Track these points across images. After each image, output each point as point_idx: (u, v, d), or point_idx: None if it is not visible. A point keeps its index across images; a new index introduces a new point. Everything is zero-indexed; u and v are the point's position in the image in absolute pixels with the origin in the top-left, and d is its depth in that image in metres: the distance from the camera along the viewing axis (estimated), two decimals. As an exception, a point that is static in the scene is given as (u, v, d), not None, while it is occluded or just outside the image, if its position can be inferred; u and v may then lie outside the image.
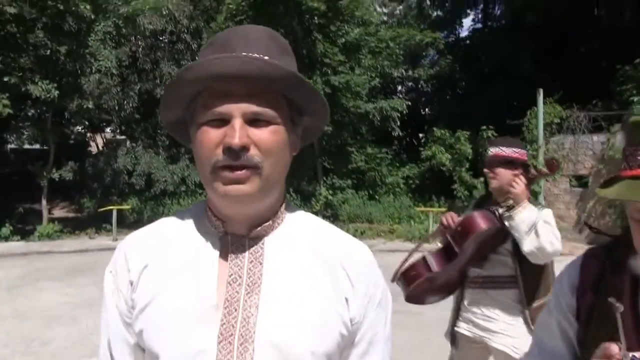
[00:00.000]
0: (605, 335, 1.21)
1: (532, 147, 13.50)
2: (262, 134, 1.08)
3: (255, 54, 1.08)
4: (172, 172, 17.36)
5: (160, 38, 18.14)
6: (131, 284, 1.16)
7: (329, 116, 1.24)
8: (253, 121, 1.08)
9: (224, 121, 1.07)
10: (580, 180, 13.59)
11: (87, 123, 18.90)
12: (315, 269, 1.17)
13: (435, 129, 16.91)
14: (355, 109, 16.16)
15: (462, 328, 3.53)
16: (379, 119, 16.82)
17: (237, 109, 1.07)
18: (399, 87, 23.50)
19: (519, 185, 3.21)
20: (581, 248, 12.14)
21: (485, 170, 3.46)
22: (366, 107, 16.43)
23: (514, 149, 3.38)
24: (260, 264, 1.15)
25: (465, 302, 3.53)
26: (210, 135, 1.08)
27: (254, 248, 1.17)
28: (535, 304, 3.32)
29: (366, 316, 1.19)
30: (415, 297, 3.42)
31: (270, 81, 1.08)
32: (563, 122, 14.00)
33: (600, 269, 1.31)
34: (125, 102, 17.33)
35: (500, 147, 3.41)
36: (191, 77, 1.09)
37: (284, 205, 1.23)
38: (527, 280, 3.32)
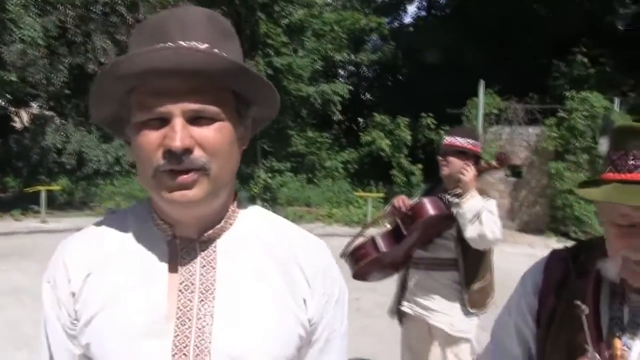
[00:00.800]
0: (565, 337, 1.25)
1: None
2: (207, 133, 0.98)
3: (194, 42, 0.97)
4: (105, 151, 16.72)
5: (92, 9, 17.36)
6: (73, 295, 1.06)
7: (279, 102, 1.13)
8: (195, 119, 0.98)
9: (163, 120, 0.97)
10: (515, 170, 14.02)
11: (9, 97, 17.96)
12: (270, 271, 1.11)
13: (375, 114, 17.06)
14: (297, 92, 16.11)
15: (406, 306, 3.66)
16: (320, 102, 16.83)
17: (177, 108, 0.96)
18: (340, 71, 23.57)
19: (468, 174, 3.30)
20: (511, 235, 12.62)
21: (439, 157, 3.53)
22: (308, 91, 16.40)
23: (467, 140, 3.48)
24: (213, 268, 1.08)
25: (409, 282, 3.66)
26: (149, 138, 0.98)
27: (205, 252, 1.09)
28: (473, 287, 3.50)
29: (324, 315, 1.14)
30: (361, 274, 3.53)
31: (212, 75, 0.97)
32: (501, 113, 14.36)
33: (565, 272, 1.34)
34: (53, 76, 16.44)
35: (455, 137, 3.51)
36: (121, 74, 0.97)
37: (235, 203, 1.15)
38: (468, 264, 3.49)
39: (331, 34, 18.03)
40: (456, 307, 3.50)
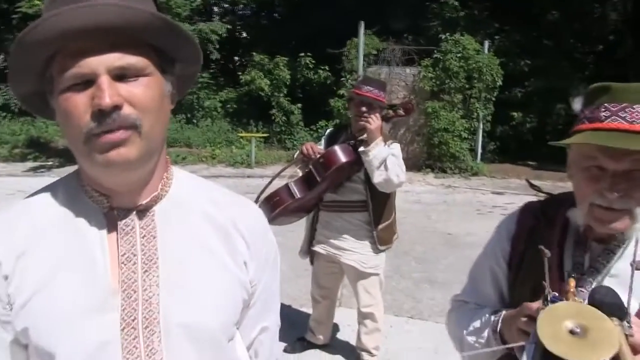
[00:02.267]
0: (531, 279, 1.40)
1: (352, 76, 14.09)
2: (135, 89, 0.95)
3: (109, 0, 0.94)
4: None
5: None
6: (5, 278, 1.00)
7: (202, 58, 1.11)
8: (120, 77, 0.94)
9: (88, 82, 0.93)
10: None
11: None
12: (210, 236, 1.11)
13: (254, 53, 16.80)
14: (174, 30, 15.48)
15: (317, 247, 3.82)
16: (198, 41, 16.27)
17: (101, 65, 0.92)
18: (216, 10, 22.79)
19: (374, 123, 3.46)
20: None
21: (358, 107, 3.63)
22: (186, 30, 15.82)
23: (375, 91, 3.62)
24: (154, 237, 1.06)
25: (320, 224, 3.82)
26: (76, 101, 0.93)
27: (144, 221, 1.06)
28: (381, 226, 3.74)
29: (262, 277, 1.17)
30: (276, 219, 3.60)
31: (133, 29, 0.94)
32: (380, 53, 14.66)
33: (535, 221, 1.49)
34: None
35: (364, 87, 3.63)
36: (38, 39, 0.92)
37: (169, 170, 1.14)
38: (376, 205, 3.71)
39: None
40: (366, 245, 3.73)
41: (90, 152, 0.95)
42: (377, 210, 3.72)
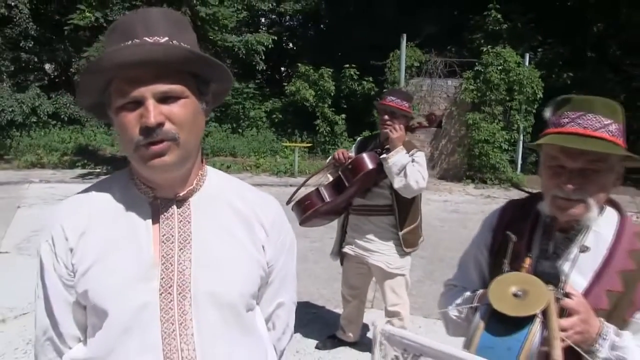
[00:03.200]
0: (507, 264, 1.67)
1: (394, 88, 14.31)
2: (174, 109, 1.21)
3: (157, 37, 1.21)
4: (20, 101, 16.03)
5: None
6: (70, 250, 1.28)
7: (232, 78, 1.39)
8: (164, 99, 1.21)
9: (138, 103, 1.20)
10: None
11: None
12: (235, 224, 1.37)
13: (299, 64, 17.18)
14: (222, 42, 15.98)
15: (347, 248, 4.08)
16: (244, 52, 16.77)
17: (148, 91, 1.19)
18: (263, 20, 23.36)
19: (397, 133, 3.72)
20: (432, 182, 13.34)
21: (383, 116, 3.90)
22: (232, 41, 16.31)
23: (400, 101, 3.88)
24: (189, 222, 1.33)
25: (350, 227, 4.08)
26: (129, 118, 1.20)
27: (181, 209, 1.34)
28: (406, 229, 3.98)
29: (279, 259, 1.44)
30: (308, 221, 3.88)
31: (173, 62, 1.20)
32: (422, 66, 14.85)
33: (514, 215, 1.77)
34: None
35: (391, 98, 3.88)
36: (101, 68, 1.20)
37: (204, 168, 1.41)
38: (401, 209, 3.95)
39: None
40: (392, 247, 3.97)
41: (139, 157, 1.24)
42: (402, 214, 3.95)
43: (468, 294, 1.75)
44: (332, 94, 16.78)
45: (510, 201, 1.87)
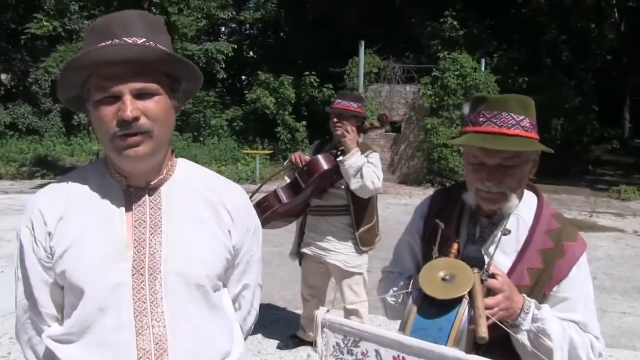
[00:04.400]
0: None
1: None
2: (149, 105, 1.31)
3: (135, 38, 1.30)
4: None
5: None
6: (49, 234, 1.36)
7: (202, 77, 1.48)
8: (139, 95, 1.30)
9: (115, 97, 1.29)
10: (394, 126, 14.82)
11: None
12: (203, 210, 1.45)
13: (260, 72, 17.24)
14: (182, 51, 15.93)
15: (305, 248, 4.14)
16: (204, 61, 16.76)
17: (125, 87, 1.28)
18: (222, 29, 23.35)
19: (349, 135, 3.81)
20: (392, 187, 13.53)
21: (334, 119, 3.99)
22: (192, 49, 16.30)
23: (351, 103, 3.99)
24: (160, 209, 1.42)
25: (307, 227, 4.14)
26: (106, 111, 1.30)
27: (152, 197, 1.42)
28: (362, 228, 4.06)
29: (244, 243, 1.52)
30: (267, 223, 3.92)
31: (149, 62, 1.30)
32: (380, 72, 15.14)
33: (442, 203, 1.86)
34: None
35: (347, 102, 3.98)
36: (80, 65, 1.30)
37: (173, 160, 1.49)
38: (357, 209, 4.03)
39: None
40: (349, 246, 4.04)
41: (114, 147, 1.33)
42: (358, 214, 4.03)
43: (404, 281, 1.83)
44: (292, 102, 16.89)
45: (438, 190, 1.99)
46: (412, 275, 1.84)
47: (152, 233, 1.39)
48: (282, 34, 23.39)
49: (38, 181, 13.95)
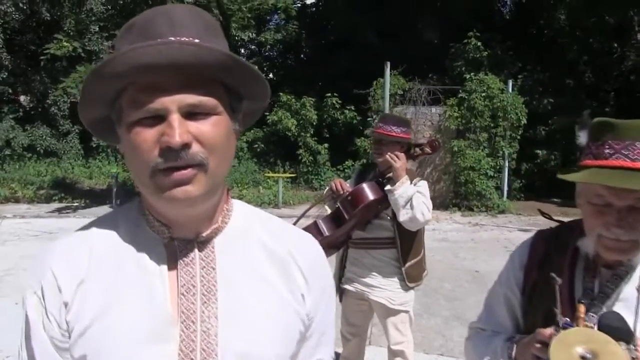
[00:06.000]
0: (544, 305, 1.47)
1: (378, 116, 14.24)
2: (204, 128, 0.97)
3: (184, 38, 0.96)
4: (-9, 133, 15.63)
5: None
6: (65, 305, 1.02)
7: (269, 95, 1.13)
8: (191, 114, 0.96)
9: (158, 118, 0.95)
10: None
11: None
12: (269, 269, 1.11)
13: (281, 94, 17.11)
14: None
15: (347, 285, 3.86)
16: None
17: (173, 103, 0.94)
18: (242, 51, 23.34)
19: (399, 162, 3.55)
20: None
21: (373, 145, 3.75)
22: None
23: (400, 129, 3.72)
24: (213, 269, 1.07)
25: (349, 261, 3.87)
26: (145, 136, 0.95)
27: (204, 252, 1.08)
28: (409, 263, 3.77)
29: (319, 309, 1.17)
30: None
31: (206, 68, 0.96)
32: (405, 93, 14.83)
33: (547, 249, 1.57)
34: None
35: (389, 126, 3.72)
36: (113, 72, 0.94)
37: (230, 202, 1.15)
38: (404, 242, 3.75)
39: (239, 14, 17.78)
40: (395, 282, 3.75)
41: (156, 186, 0.98)
42: (405, 247, 3.75)
43: (503, 342, 1.54)
44: (314, 123, 16.70)
45: (539, 233, 1.67)
46: (512, 335, 1.55)
47: (205, 302, 1.05)
48: (302, 55, 23.32)
49: (56, 205, 13.84)
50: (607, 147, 1.37)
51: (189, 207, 1.01)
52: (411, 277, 3.77)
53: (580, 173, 1.41)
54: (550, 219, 1.76)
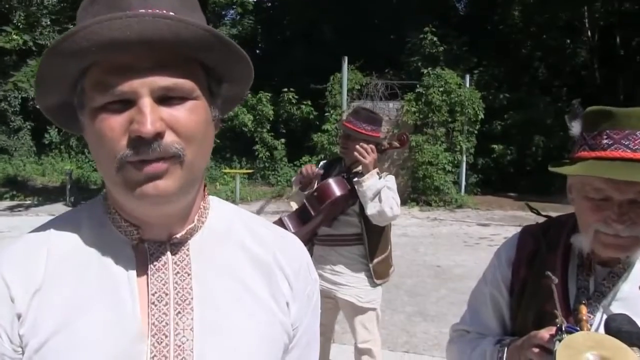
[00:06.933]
0: (535, 305, 1.38)
1: (335, 111, 14.20)
2: (179, 114, 0.84)
3: (158, 10, 0.83)
4: None
5: None
6: (18, 317, 0.88)
7: (252, 78, 0.98)
8: (165, 99, 0.83)
9: (126, 102, 0.82)
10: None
11: None
12: (250, 275, 0.99)
13: (236, 89, 16.90)
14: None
15: None
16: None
17: (143, 85, 0.81)
18: (197, 46, 22.99)
19: (369, 157, 3.44)
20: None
21: (342, 140, 3.64)
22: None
23: (370, 126, 3.62)
24: (188, 275, 0.94)
25: (315, 259, 3.75)
26: (111, 124, 0.82)
27: (177, 256, 0.94)
28: (377, 259, 3.68)
29: (305, 317, 1.06)
30: None
31: (182, 45, 0.82)
32: (363, 88, 14.83)
33: (536, 246, 1.47)
34: None
35: (359, 124, 3.62)
36: (74, 49, 0.80)
37: (206, 199, 1.01)
38: (371, 238, 3.65)
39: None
40: (362, 279, 3.66)
41: (124, 181, 0.85)
42: (372, 243, 3.66)
43: (492, 346, 1.44)
44: (270, 119, 16.58)
45: (526, 229, 1.56)
46: (501, 338, 1.46)
47: (179, 312, 0.91)
48: (258, 50, 23.14)
49: (7, 202, 13.47)
50: (605, 137, 1.27)
51: (162, 205, 0.88)
52: (378, 274, 3.68)
53: (576, 165, 1.31)
54: (538, 214, 1.67)
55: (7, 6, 14.34)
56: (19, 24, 12.99)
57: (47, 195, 13.87)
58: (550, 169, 1.41)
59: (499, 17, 19.27)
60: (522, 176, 15.72)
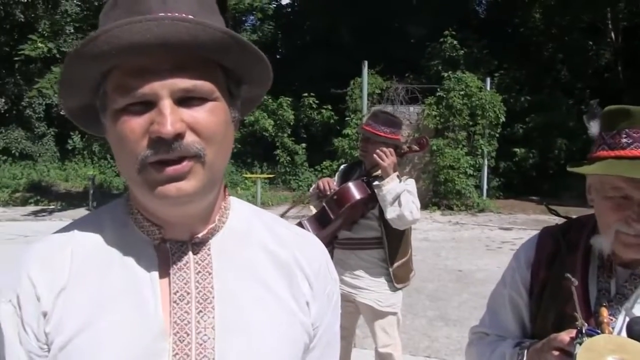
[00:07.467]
0: (555, 307, 1.36)
1: (356, 115, 14.20)
2: (199, 115, 0.86)
3: (177, 14, 0.85)
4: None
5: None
6: (44, 315, 0.90)
7: (272, 79, 1.00)
8: (184, 100, 0.85)
9: (147, 104, 0.84)
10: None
11: None
12: (271, 274, 1.00)
13: (258, 94, 17.01)
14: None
15: None
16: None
17: (164, 87, 0.83)
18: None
19: (388, 160, 3.43)
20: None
21: (361, 143, 3.63)
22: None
23: (390, 129, 3.59)
24: (210, 274, 0.96)
25: (335, 262, 3.73)
26: (132, 125, 0.84)
27: (199, 255, 0.96)
28: (397, 263, 3.67)
29: (325, 317, 1.06)
30: None
31: (201, 47, 0.85)
32: (383, 92, 14.84)
33: (555, 247, 1.45)
34: None
35: (378, 126, 3.60)
36: (96, 52, 0.83)
37: (227, 200, 1.03)
38: (391, 242, 3.63)
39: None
40: (382, 283, 3.64)
41: (145, 182, 0.87)
42: (392, 247, 3.64)
43: (511, 348, 1.42)
44: (291, 124, 16.64)
45: (546, 230, 1.54)
46: (521, 340, 1.44)
47: (200, 311, 0.93)
48: (278, 55, 23.26)
49: (32, 207, 13.70)
50: (625, 135, 1.26)
51: (183, 205, 0.89)
52: (399, 278, 3.66)
53: (595, 165, 1.30)
54: (558, 215, 1.65)
55: (33, 15, 14.63)
56: (44, 32, 13.21)
57: (70, 201, 14.08)
58: (569, 169, 1.40)
59: (519, 19, 19.15)
60: (544, 179, 15.54)
